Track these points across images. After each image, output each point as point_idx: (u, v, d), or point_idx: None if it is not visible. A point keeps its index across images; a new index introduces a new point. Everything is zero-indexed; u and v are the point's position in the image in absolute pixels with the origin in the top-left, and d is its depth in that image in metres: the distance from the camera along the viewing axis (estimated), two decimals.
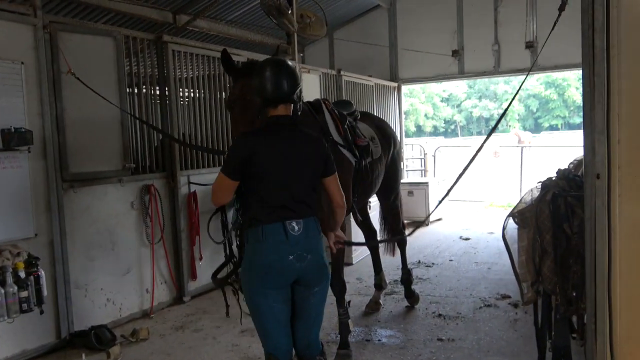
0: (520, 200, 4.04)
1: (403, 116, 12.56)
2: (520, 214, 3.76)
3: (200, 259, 6.26)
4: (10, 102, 4.47)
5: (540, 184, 3.81)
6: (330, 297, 3.82)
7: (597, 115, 2.94)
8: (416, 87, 39.41)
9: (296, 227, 2.92)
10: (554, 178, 3.79)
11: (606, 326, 2.96)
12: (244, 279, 3.00)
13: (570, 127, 48.35)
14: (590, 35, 2.94)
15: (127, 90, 5.63)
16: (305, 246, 2.94)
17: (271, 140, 2.95)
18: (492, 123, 53.11)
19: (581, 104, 2.96)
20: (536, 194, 3.82)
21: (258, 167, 2.90)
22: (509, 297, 5.83)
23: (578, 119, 47.45)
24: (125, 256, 5.50)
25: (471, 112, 53.10)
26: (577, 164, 4.40)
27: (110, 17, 8.72)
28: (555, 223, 3.51)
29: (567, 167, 4.35)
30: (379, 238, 6.03)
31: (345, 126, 4.61)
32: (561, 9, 2.88)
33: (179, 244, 6.06)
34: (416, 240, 8.66)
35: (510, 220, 3.84)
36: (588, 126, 3.06)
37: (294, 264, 2.90)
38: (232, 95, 3.46)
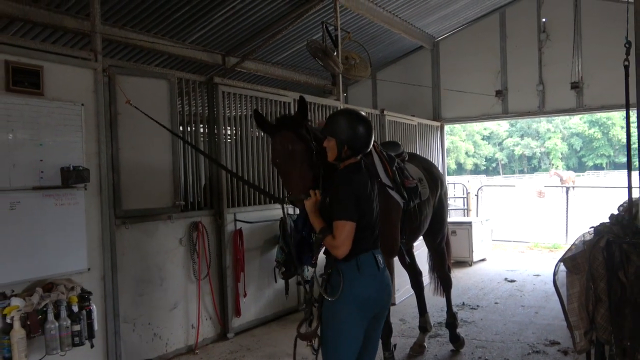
0: (572, 245, 3.92)
1: (446, 155, 12.48)
2: (571, 260, 3.64)
3: (245, 295, 6.27)
4: (70, 141, 4.63)
5: (593, 229, 3.69)
6: None
7: None
8: (457, 126, 39.22)
9: (381, 260, 3.18)
10: (607, 223, 3.67)
11: None
12: (337, 310, 3.06)
13: (616, 166, 46.98)
14: None
15: (180, 128, 5.79)
16: (387, 277, 3.20)
17: (364, 182, 3.17)
18: (535, 162, 52.22)
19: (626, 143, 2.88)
20: (588, 239, 3.70)
21: (362, 208, 3.09)
22: (558, 343, 5.60)
23: (623, 158, 46.09)
24: (172, 291, 5.56)
25: (513, 150, 52.32)
26: (627, 207, 4.25)
27: (163, 59, 9.07)
28: (610, 270, 3.39)
29: (617, 210, 4.21)
30: (425, 280, 5.92)
31: (394, 168, 4.60)
32: (627, 53, 2.84)
33: (224, 280, 6.10)
34: (460, 281, 8.48)
35: (561, 265, 3.73)
36: None
37: (382, 295, 3.14)
38: (274, 151, 3.45)
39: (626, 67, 3.17)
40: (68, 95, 4.65)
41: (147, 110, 5.15)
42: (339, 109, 7.84)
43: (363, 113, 3.32)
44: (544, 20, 11.06)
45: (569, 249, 3.83)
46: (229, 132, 6.68)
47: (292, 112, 6.95)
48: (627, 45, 3.09)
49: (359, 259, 3.08)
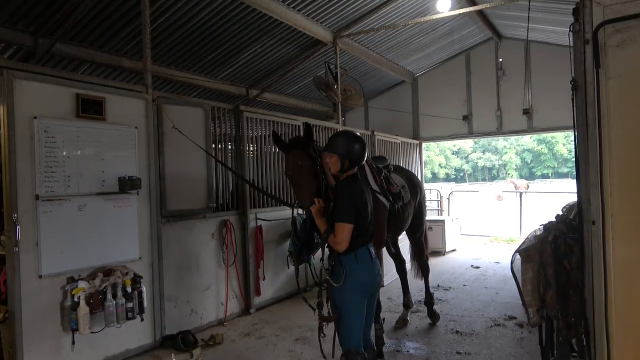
0: (525, 239, 3.88)
1: (424, 166, 12.43)
2: (525, 251, 3.60)
3: (264, 279, 6.23)
4: (126, 156, 4.65)
5: (543, 226, 3.65)
6: None
7: (591, 172, 2.83)
8: (432, 143, 39.15)
9: (373, 251, 3.21)
10: (554, 222, 3.64)
11: (604, 348, 2.77)
12: (345, 294, 3.10)
13: (559, 175, 46.76)
14: (584, 108, 2.86)
15: (212, 145, 5.78)
16: (378, 265, 3.23)
17: (361, 190, 3.17)
18: (494, 172, 52.00)
19: (567, 157, 2.86)
20: (539, 234, 3.67)
21: (360, 212, 3.08)
22: (515, 318, 5.54)
23: (565, 169, 45.89)
24: (206, 276, 5.53)
25: (477, 163, 52.13)
26: (569, 208, 4.22)
27: (200, 91, 9.09)
28: (557, 260, 3.36)
29: (561, 211, 4.17)
30: (407, 266, 5.88)
31: (382, 177, 4.58)
32: (574, 88, 2.82)
33: (248, 266, 6.06)
34: (435, 267, 8.41)
35: (517, 255, 3.69)
36: (584, 180, 2.94)
37: (375, 279, 3.19)
38: (287, 164, 3.44)
39: (573, 100, 3.14)
40: (125, 120, 4.66)
41: (186, 132, 5.17)
42: (338, 130, 7.82)
43: (358, 133, 3.32)
44: (500, 60, 11.04)
45: (523, 242, 3.80)
46: (251, 148, 6.67)
47: (302, 133, 6.93)
48: (572, 83, 3.07)
49: (357, 252, 3.10)
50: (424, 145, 12.35)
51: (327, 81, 8.32)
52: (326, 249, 3.26)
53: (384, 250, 5.52)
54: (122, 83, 4.98)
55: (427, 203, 13.47)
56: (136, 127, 4.76)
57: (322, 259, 3.35)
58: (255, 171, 6.42)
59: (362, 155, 3.21)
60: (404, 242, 6.21)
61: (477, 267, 8.65)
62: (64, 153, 4.14)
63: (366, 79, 11.12)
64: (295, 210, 3.63)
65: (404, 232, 5.50)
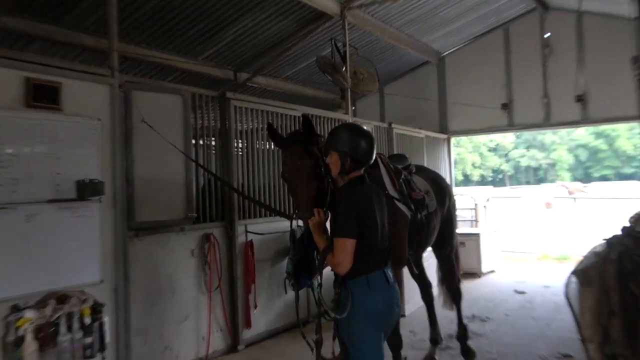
0: (583, 257, 3.81)
1: (453, 167, 12.38)
2: (583, 272, 3.54)
3: (255, 307, 6.19)
4: (86, 155, 4.62)
5: (605, 240, 3.59)
6: (386, 351, 3.65)
7: None
8: (463, 138, 39.07)
9: (390, 274, 3.14)
10: (619, 235, 3.57)
11: None
12: (354, 330, 3.04)
13: (622, 177, 46.52)
14: None
15: (192, 141, 5.76)
16: (397, 291, 3.18)
17: (367, 195, 3.12)
18: (541, 173, 51.89)
19: (632, 154, 2.79)
20: (599, 250, 3.60)
21: (365, 222, 3.03)
22: (571, 356, 5.46)
23: (630, 169, 45.67)
24: (184, 303, 5.49)
25: (519, 162, 51.99)
26: (637, 219, 4.15)
27: (177, 75, 9.10)
28: (623, 282, 3.29)
29: (628, 222, 4.10)
30: (434, 291, 5.82)
31: (401, 180, 4.54)
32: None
33: (235, 291, 6.02)
34: (469, 292, 8.33)
35: (573, 277, 3.62)
36: None
37: (393, 308, 3.13)
38: (285, 164, 3.43)
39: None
40: (85, 111, 4.64)
41: (161, 125, 5.14)
42: (344, 123, 7.80)
43: (365, 127, 3.30)
44: (547, 35, 10.98)
45: (580, 261, 3.73)
46: (240, 145, 6.65)
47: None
48: (635, 62, 3.00)
49: (369, 276, 3.03)
50: (453, 140, 12.31)
51: (334, 62, 8.29)
52: (330, 271, 3.21)
53: (405, 270, 5.45)
54: (82, 65, 4.98)
55: (459, 212, 13.40)
56: (99, 120, 4.74)
57: (318, 285, 3.31)
58: (245, 173, 6.40)
59: (368, 153, 3.18)
60: (429, 261, 6.14)
61: (522, 293, 8.59)
62: (10, 151, 4.12)
63: (381, 59, 11.09)
64: (295, 222, 3.60)
65: (430, 249, 5.45)
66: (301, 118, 3.55)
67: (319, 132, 3.72)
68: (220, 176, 6.12)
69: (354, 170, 3.17)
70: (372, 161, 3.27)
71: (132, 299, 4.97)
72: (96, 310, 4.28)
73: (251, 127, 6.65)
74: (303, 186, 3.29)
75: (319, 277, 3.49)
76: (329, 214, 3.37)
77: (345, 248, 2.95)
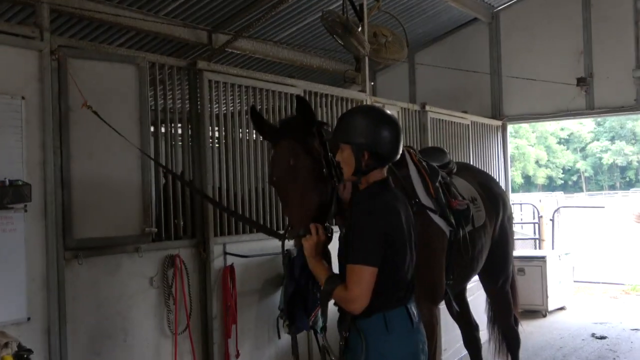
0: None
1: (509, 165, 12.40)
2: None
3: (237, 356, 6.23)
4: (6, 147, 4.64)
5: None
6: None
7: None
8: (524, 126, 39.01)
9: (415, 312, 3.21)
10: None
11: None
12: None
13: None
14: None
15: (151, 130, 5.80)
16: (423, 333, 3.27)
17: (394, 209, 3.14)
18: (631, 173, 51.73)
19: None
20: None
21: (392, 245, 3.07)
22: None
23: None
24: (140, 350, 5.51)
25: (600, 159, 51.94)
26: None
27: (130, 37, 9.14)
28: None
29: None
30: (484, 336, 5.86)
31: (437, 184, 4.58)
32: None
33: (210, 335, 6.05)
34: (531, 337, 8.37)
35: None
36: None
37: (419, 356, 3.18)
38: (272, 165, 3.48)
39: None
40: (3, 86, 4.66)
41: (109, 107, 5.17)
42: (361, 105, 7.86)
43: (388, 111, 3.34)
44: None
45: None
46: (216, 134, 6.67)
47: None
48: None
49: (387, 315, 3.08)
50: (510, 128, 12.31)
51: (346, 20, 8.32)
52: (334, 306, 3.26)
53: (442, 307, 5.49)
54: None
55: (517, 228, 13.41)
56: (23, 98, 4.75)
57: (322, 328, 3.35)
58: (224, 173, 6.42)
59: (393, 146, 3.22)
60: (476, 295, 6.17)
61: (603, 338, 8.61)
62: None
63: (412, 16, 11.14)
64: (288, 241, 3.66)
65: (476, 278, 5.48)
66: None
67: (322, 119, 3.75)
68: (190, 178, 6.16)
69: (374, 169, 3.21)
70: (398, 157, 3.30)
71: (70, 344, 4.98)
72: (21, 357, 4.32)
73: (232, 109, 6.69)
74: (297, 194, 3.33)
75: (321, 316, 3.52)
76: (332, 231, 3.41)
77: (364, 279, 2.98)
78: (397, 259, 3.10)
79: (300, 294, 3.91)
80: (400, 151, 3.30)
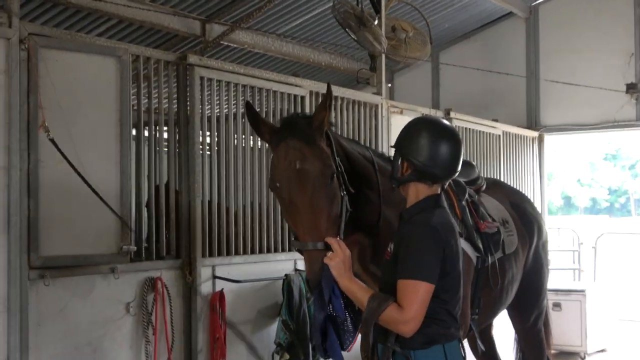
0: None
1: (547, 183, 12.37)
2: None
3: None
4: None
5: None
6: None
7: None
8: (564, 138, 39.01)
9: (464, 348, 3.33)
10: None
11: None
12: None
13: None
14: None
15: (133, 133, 5.81)
16: None
17: (451, 226, 3.25)
18: None
19: None
20: None
21: (450, 265, 3.14)
22: None
23: None
24: None
25: None
26: None
27: (111, 26, 9.16)
28: None
29: None
30: None
31: (464, 202, 4.58)
32: None
33: None
34: None
35: None
36: None
37: None
38: (275, 169, 3.48)
39: None
40: None
41: (86, 105, 5.18)
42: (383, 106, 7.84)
43: (445, 121, 3.44)
44: None
45: None
46: (208, 139, 6.68)
47: (309, 110, 6.91)
48: None
49: (447, 347, 3.12)
50: (548, 140, 12.28)
51: (361, 12, 8.34)
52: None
53: (465, 344, 5.48)
54: None
55: (552, 255, 13.37)
56: None
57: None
58: (214, 183, 6.42)
59: (452, 164, 3.32)
60: (503, 332, 6.14)
61: None
62: None
63: (436, 9, 11.18)
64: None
65: (504, 312, 5.46)
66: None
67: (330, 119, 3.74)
68: (175, 188, 6.17)
69: (414, 180, 3.34)
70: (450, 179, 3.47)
71: None
72: None
73: (226, 111, 6.70)
74: (305, 203, 3.33)
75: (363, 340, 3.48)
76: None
77: (419, 297, 3.00)
78: (450, 282, 3.14)
79: (332, 321, 3.88)
80: (457, 171, 3.41)
